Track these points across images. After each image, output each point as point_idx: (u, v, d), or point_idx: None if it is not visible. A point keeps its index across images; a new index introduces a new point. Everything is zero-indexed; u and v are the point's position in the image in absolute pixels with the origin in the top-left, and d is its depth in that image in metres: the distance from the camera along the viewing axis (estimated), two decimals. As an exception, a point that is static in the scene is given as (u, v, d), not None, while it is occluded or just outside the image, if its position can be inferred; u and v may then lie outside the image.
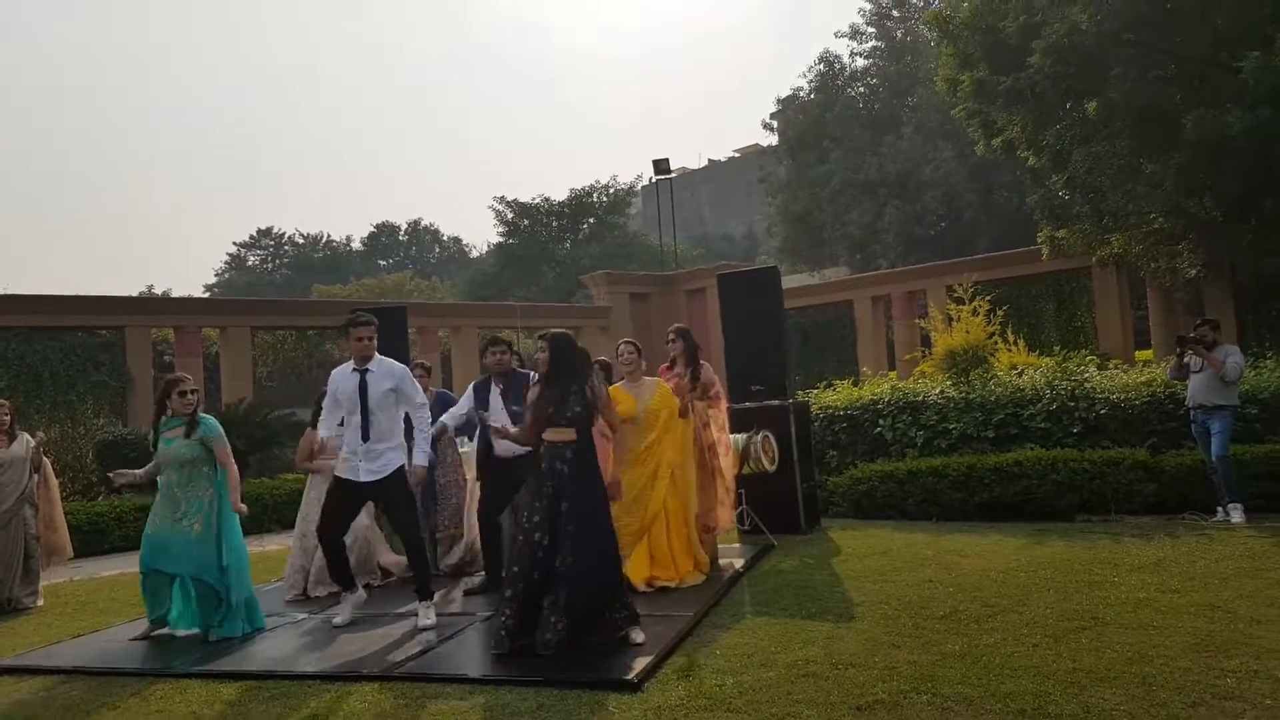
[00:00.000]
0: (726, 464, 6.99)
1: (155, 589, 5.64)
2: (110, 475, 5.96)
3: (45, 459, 7.53)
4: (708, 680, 4.15)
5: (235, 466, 5.79)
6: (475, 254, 67.58)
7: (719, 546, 7.13)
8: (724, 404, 7.18)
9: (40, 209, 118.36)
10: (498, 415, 6.09)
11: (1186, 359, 7.84)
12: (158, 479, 5.73)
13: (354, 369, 5.62)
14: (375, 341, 5.68)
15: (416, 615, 5.52)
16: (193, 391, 5.75)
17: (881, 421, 9.68)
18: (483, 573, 6.61)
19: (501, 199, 40.25)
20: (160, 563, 5.57)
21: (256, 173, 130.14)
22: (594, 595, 4.77)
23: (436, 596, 5.95)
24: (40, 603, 7.16)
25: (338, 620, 5.68)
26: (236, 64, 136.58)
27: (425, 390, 7.39)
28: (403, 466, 5.63)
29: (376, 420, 5.53)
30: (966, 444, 9.05)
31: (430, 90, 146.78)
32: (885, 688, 3.90)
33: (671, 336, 7.02)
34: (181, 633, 5.63)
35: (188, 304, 17.63)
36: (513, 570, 4.89)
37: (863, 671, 4.14)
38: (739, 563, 6.78)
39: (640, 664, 4.37)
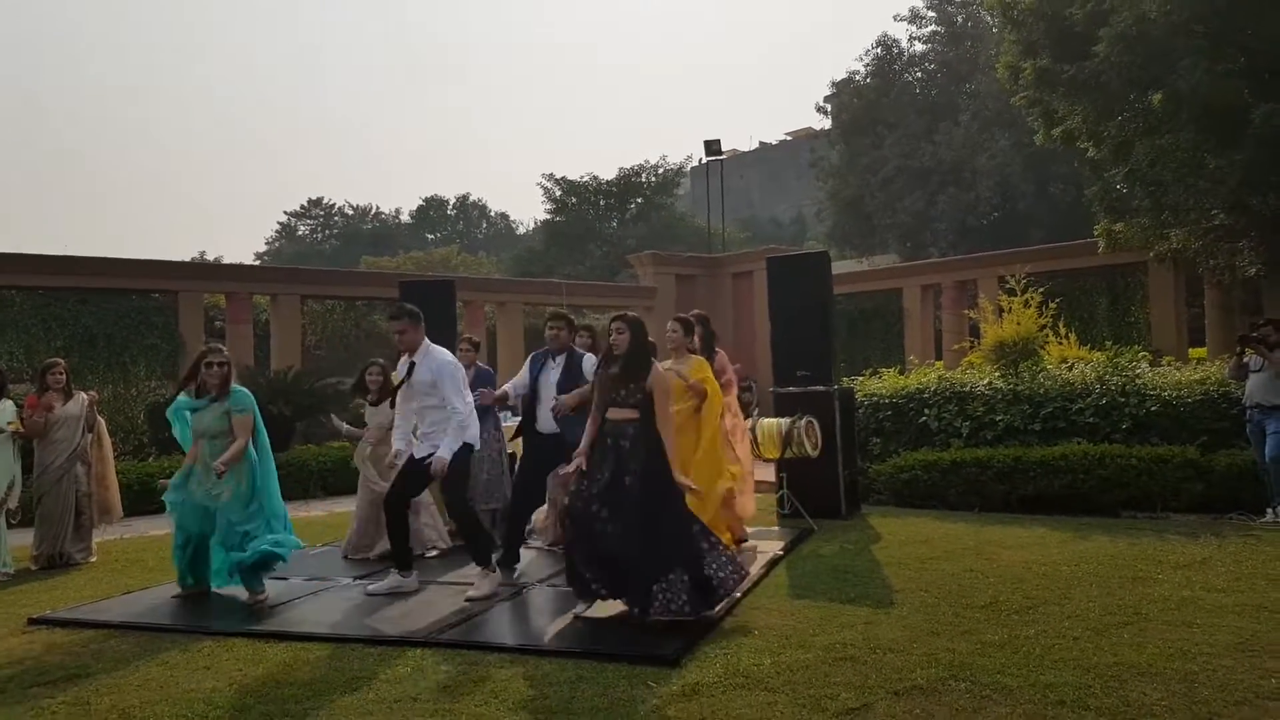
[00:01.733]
0: (743, 451, 7.03)
1: (194, 556, 5.75)
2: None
3: (100, 418, 7.68)
4: (745, 659, 4.20)
5: (246, 441, 5.64)
6: (522, 230, 67.97)
7: (757, 528, 7.18)
8: (734, 391, 7.23)
9: (98, 174, 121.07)
10: (548, 390, 6.18)
11: (1247, 358, 7.70)
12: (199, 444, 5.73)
13: (407, 357, 5.76)
14: (411, 334, 5.69)
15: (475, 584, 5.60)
16: (220, 364, 5.67)
17: (927, 411, 9.63)
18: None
19: (550, 176, 40.36)
20: (191, 527, 5.69)
21: (308, 143, 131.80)
22: (662, 568, 4.76)
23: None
24: (93, 559, 7.36)
25: (371, 589, 5.76)
26: (291, 33, 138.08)
27: (470, 365, 7.52)
28: (461, 444, 5.69)
29: (423, 409, 5.73)
30: (1012, 436, 8.97)
31: (484, 67, 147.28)
32: (923, 674, 3.93)
33: (675, 327, 6.74)
34: (224, 590, 5.73)
35: (239, 270, 17.88)
36: (573, 539, 4.97)
37: (901, 657, 4.17)
38: (778, 545, 6.82)
39: (678, 640, 4.43)
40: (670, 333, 6.60)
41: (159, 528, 8.82)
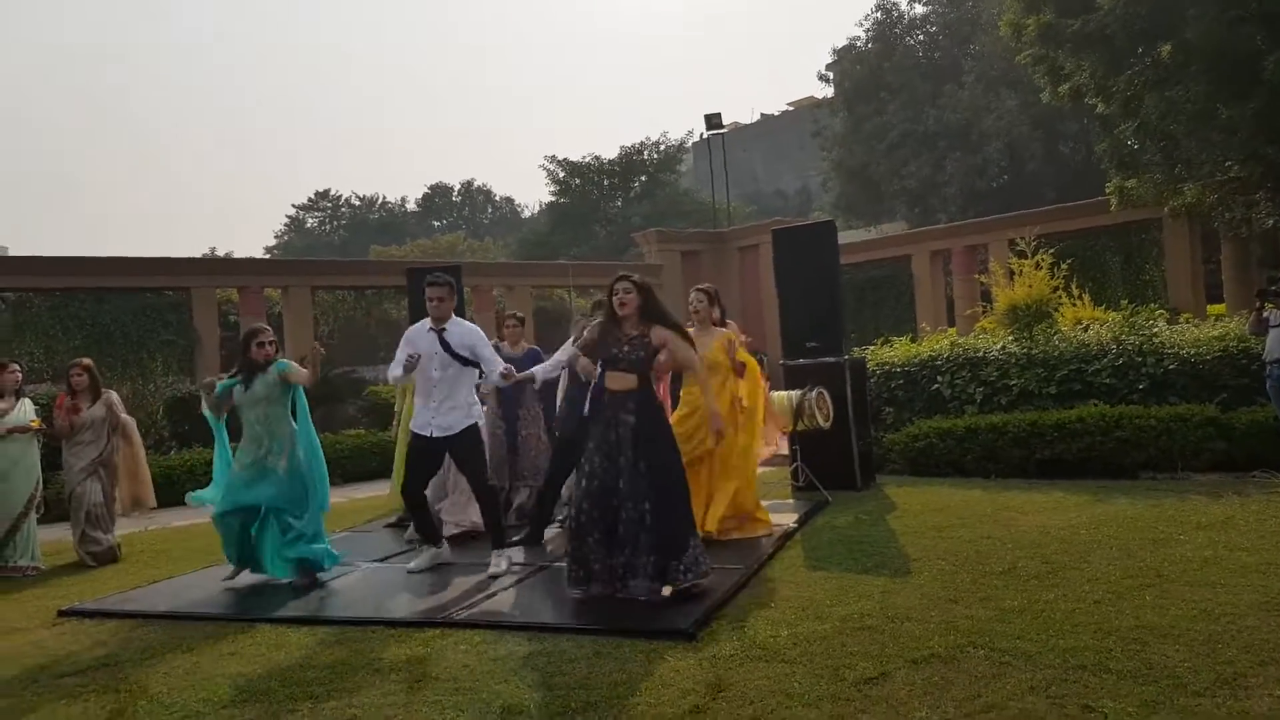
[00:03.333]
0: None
1: (229, 531, 5.79)
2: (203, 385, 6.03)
3: (126, 417, 7.50)
4: (761, 631, 4.17)
5: (308, 374, 5.85)
6: (527, 214, 67.81)
7: (772, 501, 7.14)
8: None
9: (105, 173, 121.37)
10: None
11: (1266, 313, 7.56)
12: (244, 420, 5.81)
13: (430, 328, 5.68)
14: (448, 303, 5.70)
15: (489, 564, 5.61)
16: (270, 342, 5.84)
17: (940, 378, 9.54)
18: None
19: (553, 158, 40.19)
20: (242, 498, 5.71)
21: (313, 136, 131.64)
22: (670, 544, 4.77)
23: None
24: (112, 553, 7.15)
25: (412, 566, 5.82)
26: (290, 27, 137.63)
27: (518, 342, 7.49)
28: (472, 425, 5.72)
29: (447, 380, 5.63)
30: (1027, 400, 8.87)
31: (481, 50, 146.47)
32: (941, 641, 3.88)
33: (699, 298, 6.74)
34: (281, 580, 5.76)
35: (251, 264, 17.95)
36: (581, 518, 4.91)
37: (918, 625, 4.12)
38: (793, 518, 6.78)
39: (694, 614, 4.40)
40: (695, 303, 6.53)
41: (183, 519, 8.87)
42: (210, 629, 4.87)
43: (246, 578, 5.87)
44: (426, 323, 5.74)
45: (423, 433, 5.69)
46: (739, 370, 6.43)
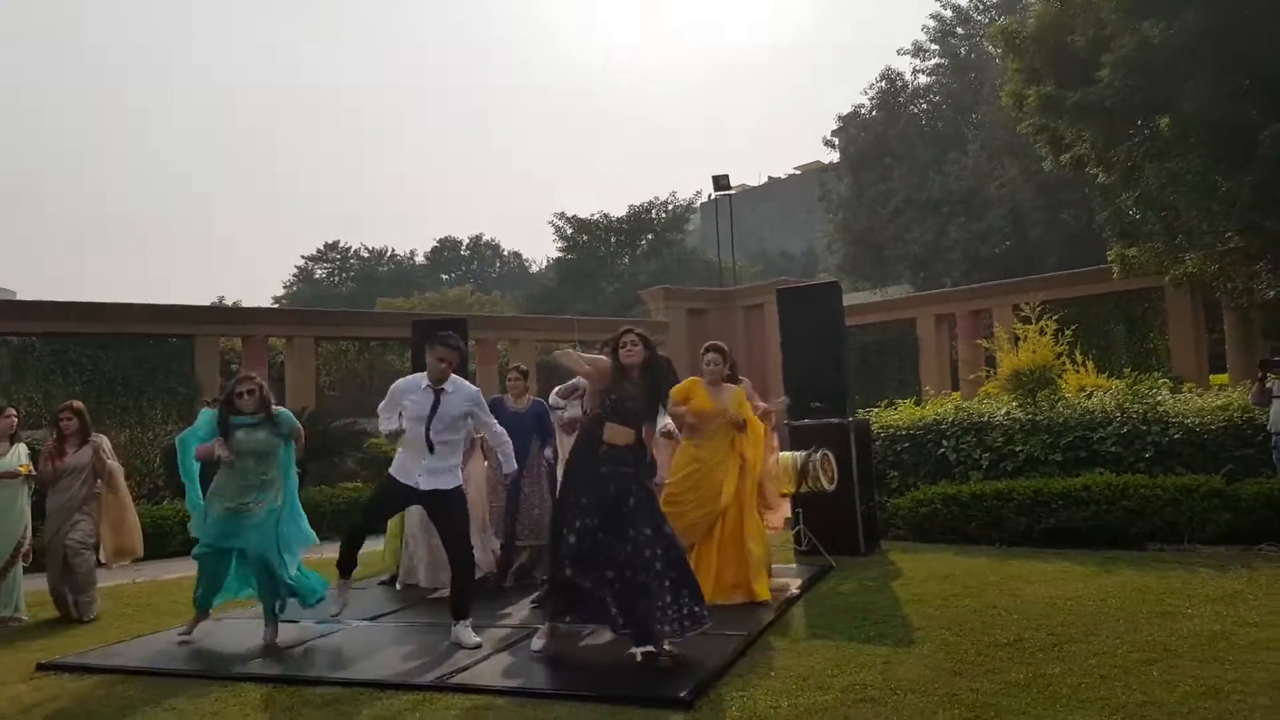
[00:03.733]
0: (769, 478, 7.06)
1: (214, 573, 5.76)
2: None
3: (114, 463, 7.20)
4: (761, 702, 4.09)
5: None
6: (535, 269, 68.35)
7: (775, 565, 7.06)
8: (772, 420, 7.26)
9: (117, 221, 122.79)
10: None
11: (1269, 383, 7.56)
12: (234, 465, 5.75)
13: (428, 385, 5.48)
14: (451, 367, 5.52)
15: (456, 636, 5.38)
16: (250, 391, 5.76)
17: (945, 442, 9.50)
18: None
19: (561, 215, 40.72)
20: (230, 540, 5.67)
21: (325, 188, 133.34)
22: (646, 605, 4.73)
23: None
24: (92, 615, 6.85)
25: (333, 611, 5.68)
26: (302, 81, 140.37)
27: (521, 396, 7.41)
28: (459, 487, 5.58)
29: (442, 441, 5.44)
30: (1033, 467, 8.82)
31: (493, 108, 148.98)
32: (945, 715, 3.80)
33: (706, 352, 6.82)
34: (245, 597, 5.82)
35: (254, 314, 18.03)
36: (560, 569, 4.86)
37: (922, 698, 4.04)
38: (796, 583, 6.70)
39: (692, 682, 4.32)
40: (710, 365, 6.46)
41: (171, 572, 8.77)
42: (193, 687, 4.76)
43: (231, 632, 5.79)
44: (421, 379, 5.54)
45: (405, 481, 5.46)
46: (740, 425, 6.40)
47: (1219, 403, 8.68)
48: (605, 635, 4.95)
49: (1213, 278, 13.56)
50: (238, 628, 6.02)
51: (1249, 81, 11.49)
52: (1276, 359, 7.61)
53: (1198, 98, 11.38)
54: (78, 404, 7.32)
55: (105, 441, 7.27)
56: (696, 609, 4.82)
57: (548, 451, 7.34)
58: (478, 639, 5.36)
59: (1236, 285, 13.33)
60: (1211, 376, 14.64)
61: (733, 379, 6.87)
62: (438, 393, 5.46)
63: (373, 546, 9.55)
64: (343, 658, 5.29)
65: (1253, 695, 3.88)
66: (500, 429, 5.76)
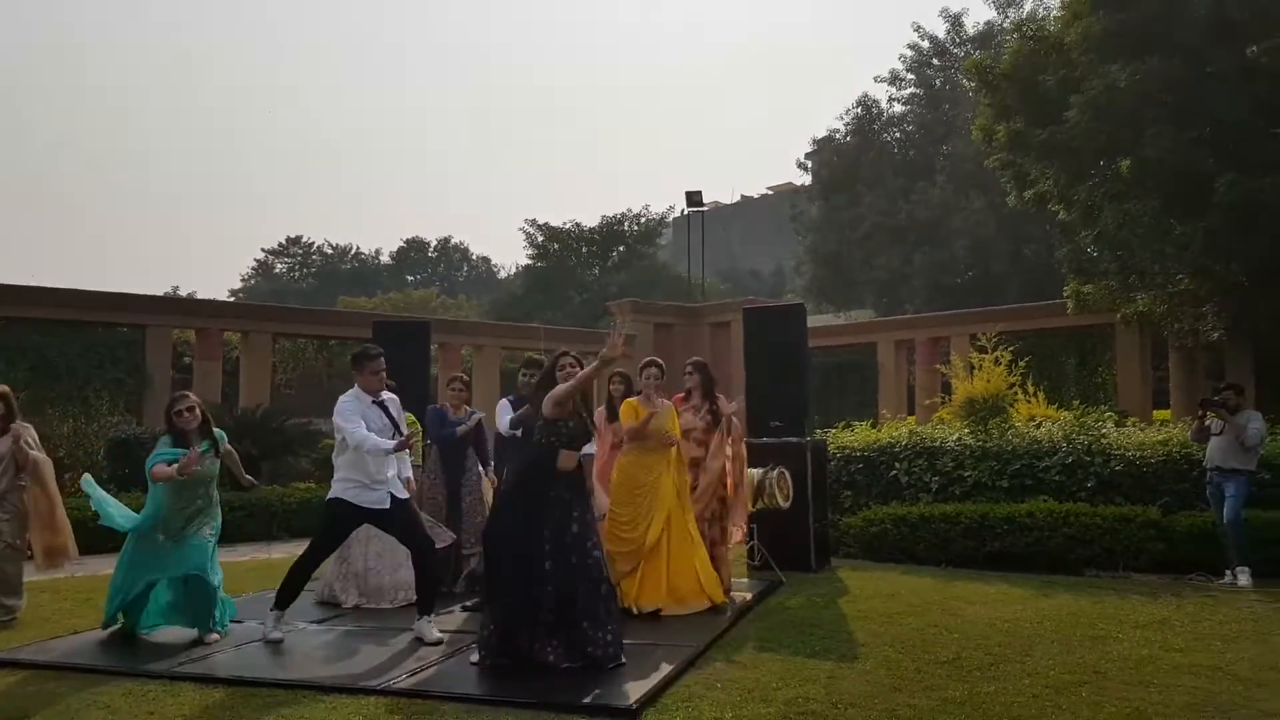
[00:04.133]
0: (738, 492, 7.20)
1: (139, 598, 5.68)
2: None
3: (40, 455, 6.62)
4: (705, 713, 4.16)
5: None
6: (503, 275, 68.17)
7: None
8: (740, 436, 7.32)
9: (72, 205, 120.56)
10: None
11: (1208, 422, 7.86)
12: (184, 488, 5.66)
13: (373, 400, 5.58)
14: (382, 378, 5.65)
15: (420, 631, 5.50)
16: (189, 410, 5.69)
17: (897, 465, 9.70)
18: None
19: (533, 221, 40.61)
20: (165, 571, 5.61)
21: (290, 181, 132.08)
22: (588, 625, 4.86)
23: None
24: (13, 617, 6.40)
25: (271, 636, 5.56)
26: (276, 73, 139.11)
27: (460, 407, 7.27)
28: (331, 499, 5.61)
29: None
30: (981, 492, 9.05)
31: (470, 113, 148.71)
32: (882, 729, 3.94)
33: (689, 369, 7.18)
34: (172, 630, 5.70)
35: (211, 306, 17.71)
36: (501, 591, 4.92)
37: (862, 712, 4.16)
38: (747, 597, 6.82)
39: (639, 692, 4.38)
40: (647, 379, 6.60)
41: (111, 567, 8.62)
42: (131, 686, 4.66)
43: (174, 633, 5.73)
44: (365, 396, 5.58)
45: (367, 505, 5.49)
46: (669, 442, 6.43)
47: (1160, 438, 8.98)
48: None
49: (1161, 317, 14.00)
50: (178, 629, 5.87)
51: (1208, 130, 11.93)
52: (1217, 398, 7.89)
53: (1158, 143, 11.79)
54: (2, 388, 6.70)
55: (30, 431, 6.70)
56: (613, 640, 4.89)
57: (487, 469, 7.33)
58: (440, 635, 5.44)
59: (1184, 326, 13.78)
60: (1155, 412, 15.08)
61: (711, 395, 7.04)
62: (381, 405, 5.61)
63: (291, 552, 9.55)
64: (285, 660, 5.24)
65: (1173, 718, 4.05)
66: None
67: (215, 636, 5.56)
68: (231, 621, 5.87)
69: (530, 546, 4.89)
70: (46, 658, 5.22)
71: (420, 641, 5.44)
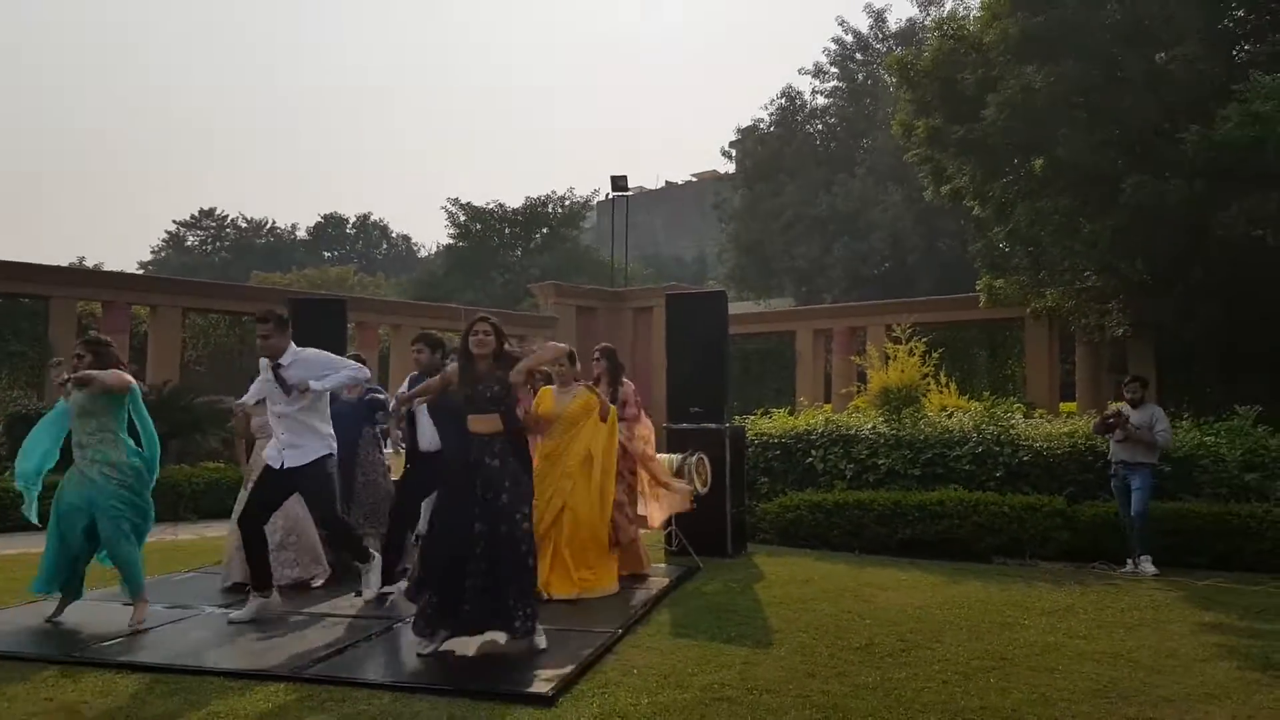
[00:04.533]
0: (656, 468, 7.23)
1: (62, 540, 5.48)
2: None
3: None
4: (622, 699, 4.14)
5: (115, 376, 5.55)
6: (424, 254, 67.01)
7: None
8: (643, 421, 7.34)
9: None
10: (424, 411, 6.16)
11: (1116, 436, 7.97)
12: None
13: (270, 364, 5.55)
14: (274, 339, 5.53)
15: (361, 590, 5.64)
16: (79, 357, 5.58)
17: (814, 452, 9.81)
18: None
19: (455, 201, 40.01)
20: (80, 523, 5.42)
21: (204, 150, 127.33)
22: (513, 593, 4.76)
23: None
24: None
25: (234, 616, 5.49)
26: (193, 36, 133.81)
27: (357, 386, 7.18)
28: (324, 456, 5.57)
29: (287, 414, 5.52)
30: (894, 480, 9.21)
31: (392, 88, 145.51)
32: (796, 715, 3.94)
33: (596, 355, 7.30)
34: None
35: (119, 279, 17.04)
36: (433, 558, 4.85)
37: (776, 698, 4.17)
38: (663, 583, 6.80)
39: (555, 678, 4.34)
40: (558, 368, 6.64)
41: (10, 548, 8.22)
42: (29, 670, 4.50)
43: (73, 614, 5.50)
44: (264, 362, 5.62)
45: (272, 464, 5.55)
46: (603, 415, 6.49)
47: (1066, 429, 9.27)
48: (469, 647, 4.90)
49: (1069, 312, 14.48)
50: (85, 610, 5.69)
51: (1118, 132, 12.32)
52: (1110, 419, 8.00)
53: (1070, 144, 12.14)
54: None
55: None
56: (528, 616, 4.80)
57: (385, 441, 7.22)
58: (375, 590, 5.56)
59: (1090, 321, 14.27)
60: (1061, 404, 15.61)
61: (617, 380, 7.10)
62: (276, 369, 5.54)
63: (219, 531, 9.27)
64: (195, 644, 5.08)
65: (1077, 703, 4.17)
66: (341, 375, 5.67)
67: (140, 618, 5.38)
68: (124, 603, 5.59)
69: (459, 513, 4.83)
70: None
71: (327, 626, 5.32)
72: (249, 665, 4.63)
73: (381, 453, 7.29)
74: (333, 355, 5.80)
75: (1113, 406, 8.16)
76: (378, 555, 6.00)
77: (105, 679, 4.39)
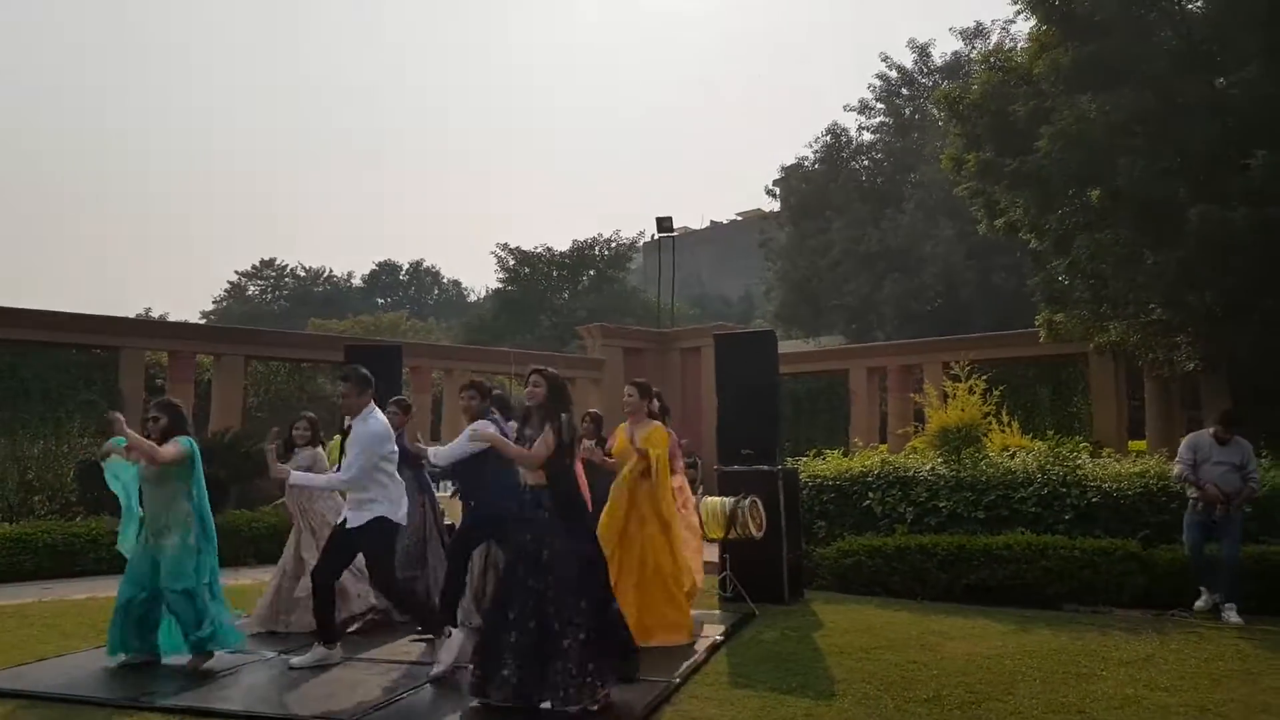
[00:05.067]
0: (691, 523, 7.12)
1: (139, 619, 5.54)
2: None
3: None
4: (681, 753, 3.99)
5: (166, 451, 5.57)
6: (474, 298, 67.90)
7: (699, 611, 7.00)
8: (679, 465, 7.28)
9: (44, 226, 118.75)
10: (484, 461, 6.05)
11: (1215, 516, 7.45)
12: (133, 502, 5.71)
13: (349, 420, 5.71)
14: (352, 399, 5.60)
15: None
16: (154, 418, 5.76)
17: (871, 494, 9.56)
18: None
19: (504, 245, 40.56)
20: (145, 580, 5.51)
21: (263, 204, 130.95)
22: (569, 656, 4.59)
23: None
24: None
25: (295, 662, 5.55)
26: (251, 91, 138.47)
27: (399, 427, 7.17)
28: (381, 517, 5.52)
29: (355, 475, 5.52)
30: (956, 523, 8.91)
31: (443, 135, 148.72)
32: (865, 774, 3.74)
33: (630, 391, 6.91)
34: (172, 659, 5.60)
35: (184, 329, 17.56)
36: (492, 620, 4.76)
37: (842, 754, 3.99)
38: (719, 630, 6.62)
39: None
40: (626, 396, 6.63)
41: (80, 591, 8.37)
42: (101, 715, 4.57)
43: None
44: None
45: (337, 522, 5.67)
46: (641, 454, 6.43)
47: (1137, 469, 8.90)
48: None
49: (1135, 347, 14.00)
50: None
51: (1179, 160, 11.98)
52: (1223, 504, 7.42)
53: (1130, 174, 11.82)
54: None
55: None
56: (595, 681, 4.60)
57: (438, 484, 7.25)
58: (449, 660, 5.34)
59: (1157, 356, 13.78)
60: (1130, 443, 15.07)
61: (660, 420, 7.00)
62: (349, 427, 5.69)
63: (259, 578, 9.31)
64: (257, 690, 5.10)
65: (1163, 762, 3.91)
66: (348, 473, 5.57)
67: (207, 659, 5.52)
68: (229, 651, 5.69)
69: (503, 565, 4.92)
70: (16, 685, 5.11)
71: (384, 673, 5.32)
72: (308, 711, 4.62)
73: (425, 493, 7.27)
74: (372, 429, 5.58)
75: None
76: (455, 631, 5.67)
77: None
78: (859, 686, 5.11)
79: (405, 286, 69.15)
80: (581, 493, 5.24)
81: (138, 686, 5.09)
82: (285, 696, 4.95)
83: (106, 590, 5.81)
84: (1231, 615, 7.22)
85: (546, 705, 4.54)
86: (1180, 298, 12.09)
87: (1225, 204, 11.18)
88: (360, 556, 5.85)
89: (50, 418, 13.84)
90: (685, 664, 5.59)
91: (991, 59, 14.74)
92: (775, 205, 39.70)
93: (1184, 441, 7.92)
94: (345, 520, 5.55)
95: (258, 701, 4.86)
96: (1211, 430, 7.77)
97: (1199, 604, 7.50)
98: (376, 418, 5.62)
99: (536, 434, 4.87)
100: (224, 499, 12.60)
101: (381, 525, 5.51)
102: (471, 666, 4.75)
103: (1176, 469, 7.83)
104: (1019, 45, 15.46)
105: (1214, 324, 12.44)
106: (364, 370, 5.77)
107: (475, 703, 4.67)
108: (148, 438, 5.63)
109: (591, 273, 40.55)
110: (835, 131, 35.17)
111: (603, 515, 6.28)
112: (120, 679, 5.30)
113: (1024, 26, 26.37)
